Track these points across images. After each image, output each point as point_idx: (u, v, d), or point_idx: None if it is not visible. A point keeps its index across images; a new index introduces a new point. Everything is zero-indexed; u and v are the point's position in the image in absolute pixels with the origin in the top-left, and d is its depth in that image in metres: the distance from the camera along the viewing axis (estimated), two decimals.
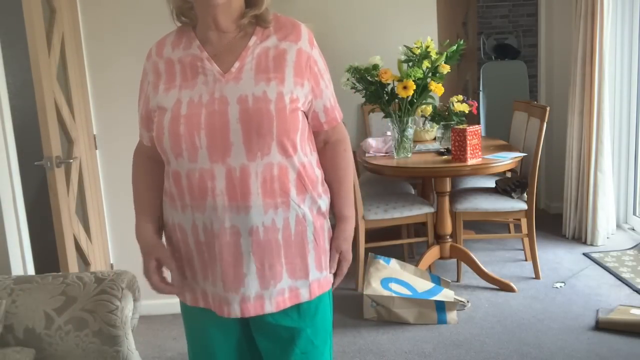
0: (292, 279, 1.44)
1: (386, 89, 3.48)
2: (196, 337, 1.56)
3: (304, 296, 1.46)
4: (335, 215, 1.58)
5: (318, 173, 1.50)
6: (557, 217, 4.73)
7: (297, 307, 1.47)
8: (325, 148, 1.56)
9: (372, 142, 3.77)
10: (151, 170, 1.56)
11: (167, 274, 1.53)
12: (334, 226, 1.57)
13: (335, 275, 1.56)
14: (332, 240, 1.55)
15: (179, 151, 1.36)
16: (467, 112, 3.69)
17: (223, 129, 1.34)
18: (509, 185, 3.66)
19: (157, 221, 1.55)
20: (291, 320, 1.47)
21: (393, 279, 3.32)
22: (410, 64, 3.44)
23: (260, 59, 1.39)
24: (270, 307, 1.42)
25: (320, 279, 1.49)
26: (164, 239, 1.56)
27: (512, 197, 3.63)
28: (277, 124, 1.34)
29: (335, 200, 1.56)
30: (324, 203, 1.50)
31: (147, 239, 1.52)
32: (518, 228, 4.02)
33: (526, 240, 3.85)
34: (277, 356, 1.50)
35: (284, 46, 1.40)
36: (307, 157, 1.45)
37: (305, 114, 1.45)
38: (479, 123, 5.39)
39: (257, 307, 1.42)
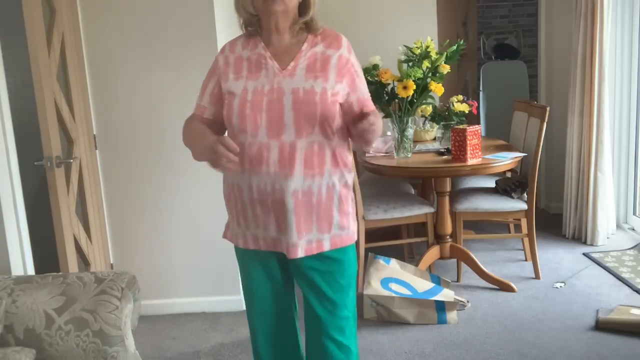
0: (319, 233, 1.83)
1: (386, 89, 3.48)
2: (246, 272, 1.96)
3: (326, 246, 1.85)
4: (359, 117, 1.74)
5: (349, 155, 1.88)
6: (557, 217, 4.73)
7: (327, 255, 1.86)
8: None
9: None
10: (202, 123, 1.88)
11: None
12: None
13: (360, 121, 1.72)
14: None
15: (244, 127, 1.75)
16: (467, 112, 3.69)
17: (279, 113, 1.74)
18: (509, 185, 3.66)
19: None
20: (323, 264, 1.87)
21: (393, 279, 3.32)
22: (410, 64, 3.45)
23: (310, 61, 1.79)
24: (301, 253, 1.82)
25: (342, 235, 1.87)
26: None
27: (512, 197, 3.63)
28: (320, 111, 1.73)
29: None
30: (350, 178, 1.89)
31: (208, 135, 1.74)
32: (518, 228, 4.02)
33: (526, 240, 3.85)
34: (313, 290, 1.89)
35: (329, 53, 1.80)
36: (342, 141, 1.83)
37: (341, 105, 1.80)
38: (479, 123, 5.39)
39: (292, 252, 1.81)
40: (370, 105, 1.87)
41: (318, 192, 1.79)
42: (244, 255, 1.95)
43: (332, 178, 1.80)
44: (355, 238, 1.93)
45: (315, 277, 1.88)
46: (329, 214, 1.83)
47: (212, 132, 1.81)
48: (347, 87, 1.80)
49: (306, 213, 1.79)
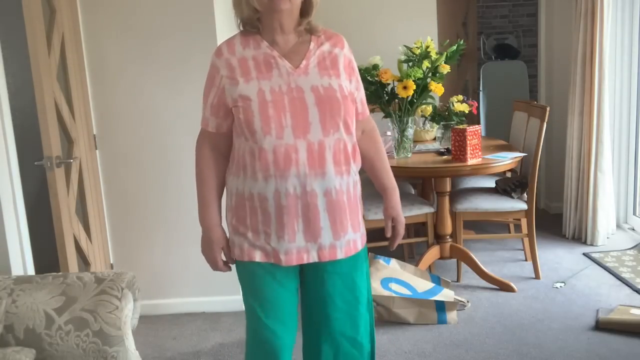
0: (354, 232, 1.82)
1: (386, 89, 3.48)
2: (261, 288, 1.83)
3: (359, 246, 1.86)
4: (381, 189, 1.98)
5: (358, 149, 1.86)
6: (557, 217, 4.73)
7: (353, 256, 1.84)
8: (364, 136, 1.93)
9: None
10: (216, 163, 1.85)
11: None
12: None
13: (392, 237, 2.00)
14: (384, 210, 1.97)
15: (268, 130, 1.68)
16: (467, 112, 3.69)
17: (303, 111, 1.69)
18: (509, 185, 3.66)
19: (220, 208, 1.87)
20: (344, 267, 1.84)
21: (393, 279, 3.32)
22: (410, 64, 3.44)
23: (320, 59, 1.76)
24: (341, 254, 1.80)
25: (364, 232, 1.90)
26: (223, 214, 1.88)
27: (512, 197, 3.63)
28: (344, 108, 1.73)
29: (382, 176, 1.97)
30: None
31: (215, 231, 1.84)
32: (518, 228, 4.02)
33: (526, 240, 3.85)
34: (331, 293, 1.83)
35: (336, 52, 1.80)
36: (355, 136, 1.83)
37: None
38: (479, 123, 5.39)
39: (331, 254, 1.79)
40: (367, 111, 1.93)
41: (347, 190, 1.77)
42: (260, 269, 1.81)
43: (355, 175, 1.82)
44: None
45: (336, 280, 1.83)
46: (357, 212, 1.83)
47: (215, 210, 1.84)
48: (353, 86, 1.82)
49: (341, 213, 1.76)
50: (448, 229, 3.62)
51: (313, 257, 1.77)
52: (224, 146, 1.83)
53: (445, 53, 3.46)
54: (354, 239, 1.83)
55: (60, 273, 2.05)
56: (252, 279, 1.83)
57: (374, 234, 3.84)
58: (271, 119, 1.67)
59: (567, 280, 3.63)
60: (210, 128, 1.82)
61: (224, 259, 1.87)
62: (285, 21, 1.72)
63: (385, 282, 3.29)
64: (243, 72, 1.72)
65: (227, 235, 1.87)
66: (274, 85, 1.70)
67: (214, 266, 1.87)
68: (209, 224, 1.84)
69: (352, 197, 1.80)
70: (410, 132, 3.51)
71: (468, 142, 3.26)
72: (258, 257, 1.78)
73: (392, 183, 1.98)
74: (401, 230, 1.99)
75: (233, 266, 1.89)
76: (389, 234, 1.98)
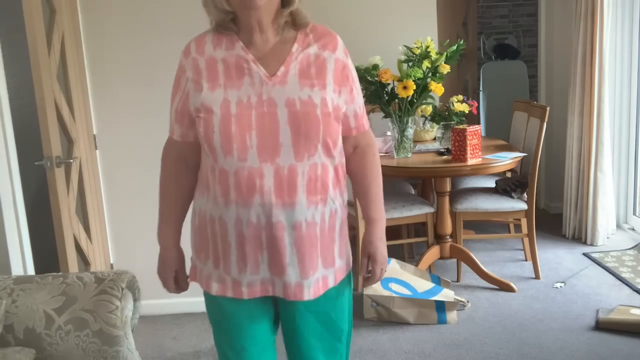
0: (325, 268, 1.53)
1: (386, 89, 3.48)
2: (225, 321, 1.61)
3: (331, 283, 1.56)
4: (364, 217, 1.66)
5: (344, 170, 1.59)
6: (557, 217, 4.73)
7: (326, 292, 1.56)
8: (355, 152, 1.63)
9: None
10: (180, 175, 1.61)
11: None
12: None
13: (366, 279, 1.66)
14: (362, 244, 1.65)
15: (229, 150, 1.41)
16: (467, 112, 3.69)
17: (273, 130, 1.41)
18: (509, 185, 3.66)
19: (179, 227, 1.66)
20: (318, 305, 1.56)
21: (393, 279, 3.32)
22: (410, 64, 3.45)
23: (303, 65, 1.46)
24: (308, 295, 1.51)
25: (342, 266, 1.59)
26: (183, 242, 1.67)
27: (512, 197, 3.63)
28: (323, 128, 1.43)
29: (364, 203, 1.65)
30: (346, 195, 1.60)
31: (169, 251, 1.65)
32: (518, 228, 4.02)
33: (526, 240, 3.85)
34: (300, 333, 1.60)
35: (325, 55, 1.49)
36: (342, 156, 1.56)
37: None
38: (479, 123, 5.39)
39: (297, 294, 1.50)
40: (365, 124, 1.63)
41: (322, 221, 1.50)
42: (224, 304, 1.58)
43: (335, 203, 1.52)
44: (351, 264, 1.64)
45: (309, 319, 1.58)
46: (331, 245, 1.54)
47: (171, 229, 1.64)
48: (345, 98, 1.52)
49: (310, 247, 1.49)
50: (448, 229, 3.62)
51: (279, 292, 1.51)
52: (191, 157, 1.58)
53: (445, 53, 3.46)
54: (325, 276, 1.54)
55: (60, 273, 2.05)
56: (219, 313, 1.62)
57: None
58: (233, 137, 1.40)
59: (567, 280, 3.63)
60: (175, 136, 1.57)
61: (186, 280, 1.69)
62: (264, 17, 1.44)
63: (385, 282, 3.29)
64: (209, 77, 1.46)
65: (190, 255, 1.67)
66: (242, 96, 1.42)
67: (166, 288, 1.68)
68: (163, 243, 1.65)
69: (326, 228, 1.51)
70: (410, 132, 3.51)
71: (468, 142, 3.26)
72: (215, 289, 1.55)
73: (378, 214, 1.64)
74: (378, 272, 1.64)
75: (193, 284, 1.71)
76: (363, 274, 1.65)
